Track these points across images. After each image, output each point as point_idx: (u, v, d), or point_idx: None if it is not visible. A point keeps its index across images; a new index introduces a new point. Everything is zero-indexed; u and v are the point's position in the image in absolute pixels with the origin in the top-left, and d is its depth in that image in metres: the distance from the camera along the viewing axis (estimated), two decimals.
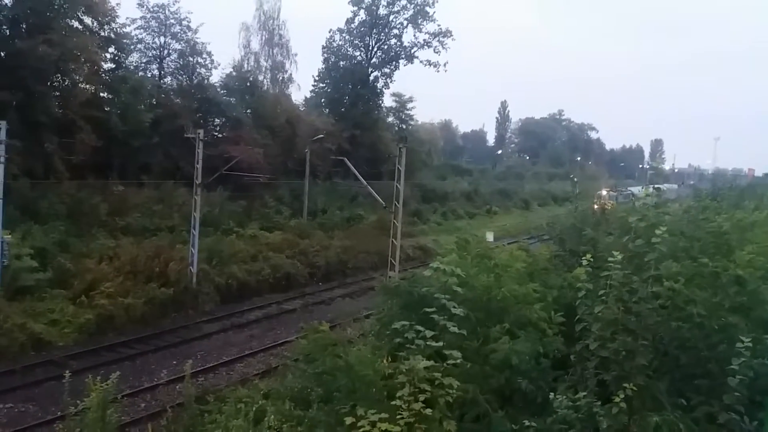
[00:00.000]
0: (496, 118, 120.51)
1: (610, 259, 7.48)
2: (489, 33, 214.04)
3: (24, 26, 28.38)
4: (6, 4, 28.30)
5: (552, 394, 7.31)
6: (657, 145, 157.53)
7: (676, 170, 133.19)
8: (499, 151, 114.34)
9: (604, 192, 60.98)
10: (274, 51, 49.53)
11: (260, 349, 21.34)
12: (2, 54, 28.18)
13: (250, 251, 30.16)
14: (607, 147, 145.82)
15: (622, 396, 6.54)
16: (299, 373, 11.84)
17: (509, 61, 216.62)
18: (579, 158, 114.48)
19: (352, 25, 52.64)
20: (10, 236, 21.69)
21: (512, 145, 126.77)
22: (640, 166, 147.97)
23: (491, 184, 74.56)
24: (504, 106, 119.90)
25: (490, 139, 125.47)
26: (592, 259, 8.40)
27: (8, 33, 28.53)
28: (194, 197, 26.64)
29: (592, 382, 7.43)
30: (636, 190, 63.76)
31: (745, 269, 8.85)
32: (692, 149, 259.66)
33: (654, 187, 8.80)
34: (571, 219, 16.76)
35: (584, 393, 7.04)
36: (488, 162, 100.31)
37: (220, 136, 39.26)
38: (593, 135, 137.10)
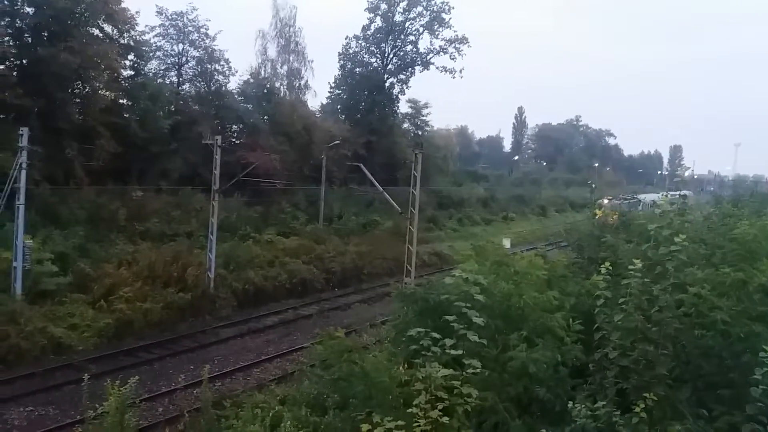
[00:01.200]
0: (513, 123, 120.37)
1: (630, 267, 7.40)
2: (505, 39, 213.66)
3: (46, 34, 28.85)
4: (28, 12, 28.81)
5: (570, 403, 7.23)
6: (676, 151, 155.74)
7: (695, 176, 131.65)
8: (516, 157, 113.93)
9: (605, 201, 57.88)
10: (291, 58, 49.89)
11: (276, 355, 21.39)
12: (24, 61, 28.68)
13: (266, 256, 30.30)
14: (626, 153, 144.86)
15: (642, 406, 6.46)
16: (315, 379, 11.85)
17: (526, 67, 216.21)
18: (597, 164, 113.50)
19: (368, 32, 52.90)
20: (31, 241, 22.01)
21: (529, 151, 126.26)
22: (659, 172, 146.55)
23: (508, 190, 74.25)
24: (521, 111, 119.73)
25: (507, 145, 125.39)
26: (610, 267, 8.32)
27: (30, 41, 29.02)
28: (212, 203, 26.84)
29: (612, 392, 7.34)
30: (647, 197, 60.00)
31: None
32: (712, 155, 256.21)
33: (680, 194, 8.72)
34: (590, 226, 16.61)
35: (603, 402, 6.95)
36: (504, 168, 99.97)
37: (237, 142, 39.60)
38: (611, 141, 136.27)
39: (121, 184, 31.14)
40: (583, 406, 7.00)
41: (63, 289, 22.43)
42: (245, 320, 25.29)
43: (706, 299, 7.63)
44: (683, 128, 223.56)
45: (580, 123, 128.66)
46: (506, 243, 32.66)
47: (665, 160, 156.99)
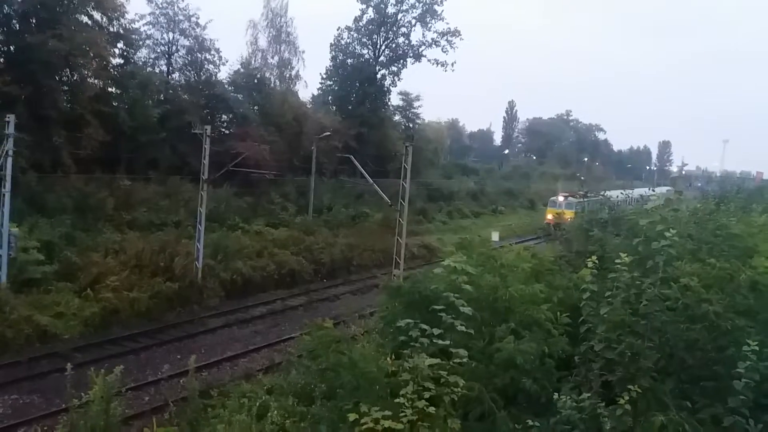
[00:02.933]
0: (504, 117, 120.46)
1: (617, 260, 7.46)
2: (497, 32, 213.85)
3: (34, 21, 28.41)
4: None
5: (556, 394, 7.29)
6: (665, 147, 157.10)
7: (683, 172, 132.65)
8: (506, 151, 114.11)
9: (560, 198, 51.72)
10: (282, 48, 49.67)
11: (264, 345, 21.36)
12: (12, 48, 28.32)
13: (255, 247, 30.18)
14: (615, 148, 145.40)
15: (626, 397, 6.52)
16: (303, 369, 11.87)
17: (517, 61, 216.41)
18: (586, 159, 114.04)
19: (361, 23, 52.60)
20: (17, 229, 21.77)
21: (519, 145, 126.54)
22: (648, 167, 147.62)
23: (497, 183, 74.43)
24: (511, 105, 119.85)
25: (497, 138, 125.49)
26: (597, 261, 8.38)
27: (18, 27, 28.62)
28: (201, 193, 26.69)
29: (597, 384, 7.42)
30: (616, 193, 58.48)
31: (763, 274, 8.77)
32: (700, 151, 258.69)
33: (675, 191, 8.80)
34: (578, 219, 16.72)
35: (588, 394, 7.03)
36: (495, 161, 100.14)
37: (227, 132, 39.33)
38: (601, 136, 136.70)
39: (109, 173, 30.84)
40: (568, 397, 7.07)
41: (49, 277, 22.22)
42: (233, 310, 25.21)
43: (695, 291, 7.71)
44: (672, 124, 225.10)
45: (571, 118, 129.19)
46: (495, 236, 32.79)
47: (654, 156, 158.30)
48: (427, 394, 7.41)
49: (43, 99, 27.66)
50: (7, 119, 21.00)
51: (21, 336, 19.11)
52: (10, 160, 20.98)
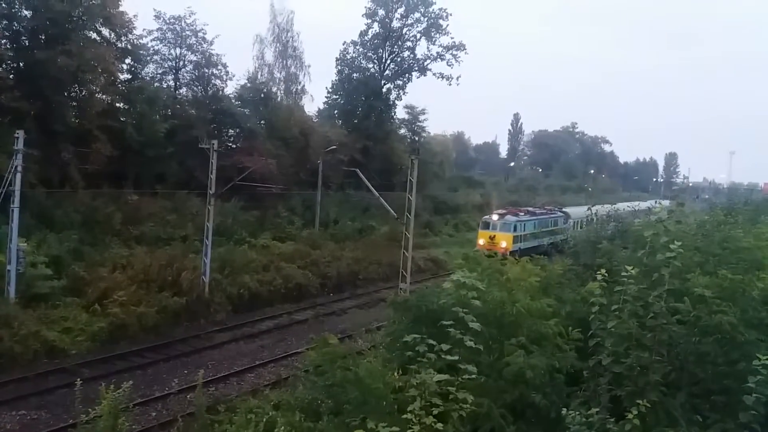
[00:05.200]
0: (509, 130, 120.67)
1: (623, 273, 7.42)
2: (502, 46, 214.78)
3: (43, 37, 28.83)
4: (26, 15, 28.78)
5: (565, 409, 7.23)
6: (671, 159, 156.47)
7: (690, 184, 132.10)
8: (512, 164, 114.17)
9: (494, 217, 39.74)
10: (288, 63, 49.99)
11: (271, 360, 21.33)
12: (21, 64, 28.66)
13: (262, 261, 30.23)
14: (621, 160, 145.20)
15: (635, 412, 6.45)
16: (309, 385, 11.81)
17: (522, 74, 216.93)
18: (592, 171, 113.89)
19: (366, 38, 53.07)
20: (26, 244, 21.94)
21: (525, 158, 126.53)
22: (654, 179, 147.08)
23: (504, 196, 74.38)
24: (517, 118, 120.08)
25: (503, 151, 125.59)
26: (606, 274, 8.33)
27: (28, 44, 29.01)
28: (208, 207, 26.79)
29: (605, 398, 7.35)
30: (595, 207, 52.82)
31: None
32: (707, 163, 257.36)
33: (678, 203, 8.74)
34: (586, 232, 16.68)
35: (597, 409, 6.96)
36: (501, 174, 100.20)
37: (234, 146, 39.54)
38: (607, 148, 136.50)
39: (116, 188, 31.07)
40: (577, 412, 7.00)
41: (57, 292, 22.34)
42: (240, 325, 25.20)
43: (709, 303, 7.63)
44: (679, 136, 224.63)
45: (576, 130, 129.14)
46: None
47: (660, 168, 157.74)
48: (435, 411, 7.38)
49: (51, 114, 27.96)
50: (16, 135, 21.25)
51: (29, 351, 19.15)
52: (19, 175, 21.17)
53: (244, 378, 19.61)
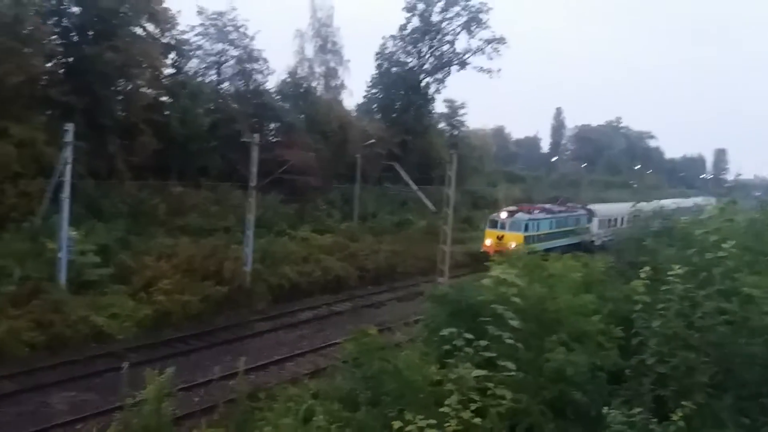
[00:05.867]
0: (551, 124, 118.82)
1: (669, 272, 7.27)
2: (545, 38, 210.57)
3: (91, 33, 29.59)
4: (75, 11, 29.67)
5: (606, 408, 7.14)
6: (720, 155, 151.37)
7: (740, 181, 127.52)
8: (554, 159, 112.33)
9: (503, 214, 36.53)
10: (328, 57, 50.27)
11: (310, 350, 21.55)
12: (71, 59, 29.54)
13: (301, 253, 30.59)
14: (667, 156, 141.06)
15: (680, 414, 6.34)
16: (348, 375, 11.92)
17: (565, 67, 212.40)
18: (637, 167, 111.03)
19: (405, 32, 52.87)
20: (75, 233, 22.69)
21: (567, 153, 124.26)
22: (701, 176, 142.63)
23: (545, 191, 73.14)
24: (559, 112, 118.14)
25: (545, 145, 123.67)
26: (650, 272, 8.18)
27: (77, 39, 29.85)
28: (249, 199, 27.23)
29: (649, 398, 7.24)
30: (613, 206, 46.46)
31: None
32: (758, 160, 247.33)
33: (731, 201, 8.48)
34: (630, 229, 16.34)
35: (640, 409, 6.86)
36: (542, 169, 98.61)
37: (274, 140, 39.99)
38: (652, 143, 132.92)
39: (161, 180, 31.79)
40: (619, 411, 6.92)
41: (105, 280, 23.04)
42: (280, 315, 25.60)
43: (758, 303, 7.43)
44: (728, 132, 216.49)
45: (621, 124, 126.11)
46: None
47: (709, 164, 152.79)
48: (472, 405, 7.38)
49: (99, 108, 28.76)
50: (66, 128, 21.95)
51: (79, 335, 19.89)
52: (69, 167, 21.89)
53: (284, 366, 19.88)
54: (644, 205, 22.97)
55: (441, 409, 7.57)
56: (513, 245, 32.19)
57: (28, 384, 16.82)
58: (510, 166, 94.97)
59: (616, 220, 43.97)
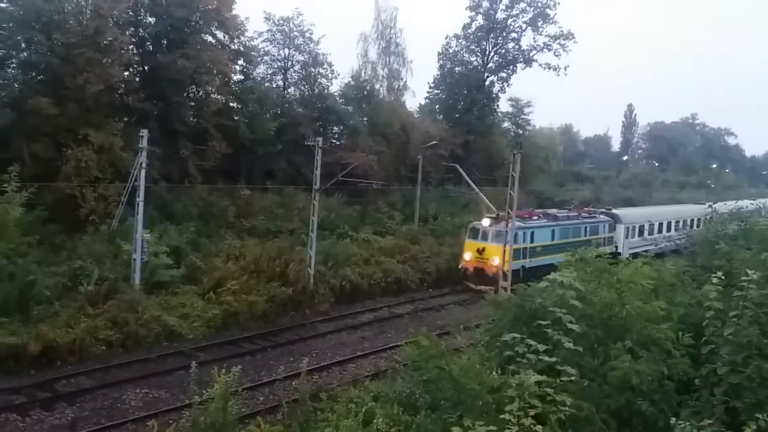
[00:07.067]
0: (622, 122, 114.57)
1: (743, 277, 6.87)
2: (614, 33, 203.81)
3: (165, 42, 31.01)
4: (150, 22, 31.15)
5: (674, 419, 6.82)
6: None
7: None
8: (625, 158, 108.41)
9: (485, 222, 30.31)
10: (391, 59, 50.37)
11: (371, 352, 21.70)
12: (146, 68, 31.00)
13: (363, 255, 30.86)
14: (748, 154, 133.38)
15: (754, 426, 5.98)
16: (408, 379, 11.91)
17: (636, 63, 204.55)
18: (714, 166, 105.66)
19: (469, 30, 52.32)
20: (149, 235, 23.74)
21: (639, 151, 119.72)
22: None
23: (615, 192, 70.75)
24: (630, 109, 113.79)
25: (615, 144, 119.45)
26: (723, 277, 7.75)
27: (151, 48, 31.34)
28: (313, 202, 27.72)
29: (720, 410, 6.87)
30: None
31: None
32: None
33: None
34: (704, 232, 15.56)
35: (710, 420, 6.51)
36: (612, 169, 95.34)
37: (337, 143, 40.55)
38: (731, 141, 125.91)
39: (230, 183, 32.85)
40: (688, 423, 6.59)
41: (176, 280, 23.95)
42: (342, 316, 25.93)
43: None
44: None
45: (696, 121, 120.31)
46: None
47: None
48: (533, 412, 7.23)
49: (172, 114, 30.03)
50: (141, 134, 22.99)
51: (152, 334, 20.79)
52: (143, 171, 22.92)
53: (345, 368, 20.11)
54: (718, 207, 20.41)
55: (501, 416, 7.44)
56: (496, 261, 28.19)
57: (104, 380, 17.75)
58: (578, 165, 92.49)
59: (652, 227, 40.00)
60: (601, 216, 37.02)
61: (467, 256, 30.22)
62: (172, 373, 18.43)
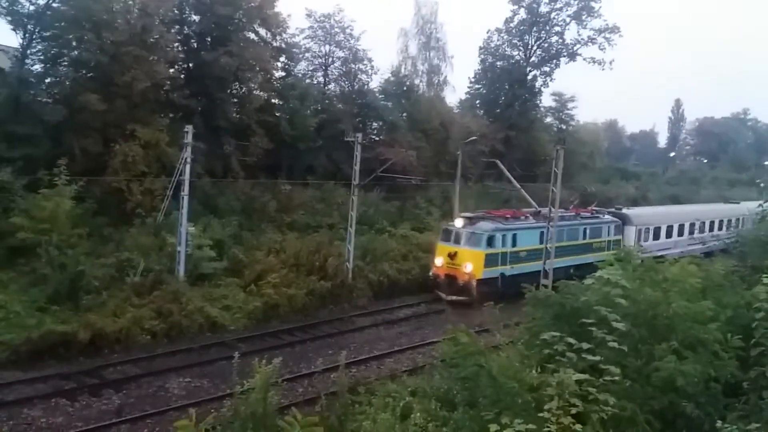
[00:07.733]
0: (669, 117, 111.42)
1: None
2: (661, 26, 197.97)
3: (209, 39, 31.60)
4: (194, 20, 31.76)
5: (720, 422, 6.63)
6: None
7: None
8: (672, 154, 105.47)
9: (458, 223, 27.76)
10: (431, 54, 50.17)
11: (409, 347, 21.73)
12: (191, 65, 31.65)
13: (401, 250, 30.88)
14: None
15: None
16: (446, 375, 11.89)
17: (684, 56, 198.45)
18: (766, 162, 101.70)
19: (511, 24, 51.68)
20: (193, 228, 24.33)
21: (687, 147, 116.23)
22: None
23: (662, 189, 68.91)
24: (678, 104, 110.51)
25: (662, 140, 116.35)
26: None
27: (196, 46, 31.98)
28: (352, 197, 27.89)
29: None
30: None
31: None
32: None
33: None
34: (755, 231, 15.03)
35: (758, 425, 6.31)
36: (659, 165, 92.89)
37: (376, 139, 40.60)
38: None
39: (271, 179, 33.31)
40: (735, 426, 6.40)
41: (219, 273, 24.48)
42: (380, 311, 26.03)
43: None
44: None
45: (748, 116, 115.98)
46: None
47: None
48: (573, 411, 7.14)
49: (215, 110, 30.60)
50: (186, 130, 23.53)
51: (195, 325, 21.33)
52: (188, 166, 23.45)
53: (383, 362, 20.19)
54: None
55: (540, 414, 7.37)
56: (469, 268, 25.86)
57: (149, 369, 18.29)
58: (623, 161, 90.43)
59: (671, 229, 36.86)
60: (607, 216, 33.81)
61: (438, 261, 27.49)
62: (214, 363, 18.82)
